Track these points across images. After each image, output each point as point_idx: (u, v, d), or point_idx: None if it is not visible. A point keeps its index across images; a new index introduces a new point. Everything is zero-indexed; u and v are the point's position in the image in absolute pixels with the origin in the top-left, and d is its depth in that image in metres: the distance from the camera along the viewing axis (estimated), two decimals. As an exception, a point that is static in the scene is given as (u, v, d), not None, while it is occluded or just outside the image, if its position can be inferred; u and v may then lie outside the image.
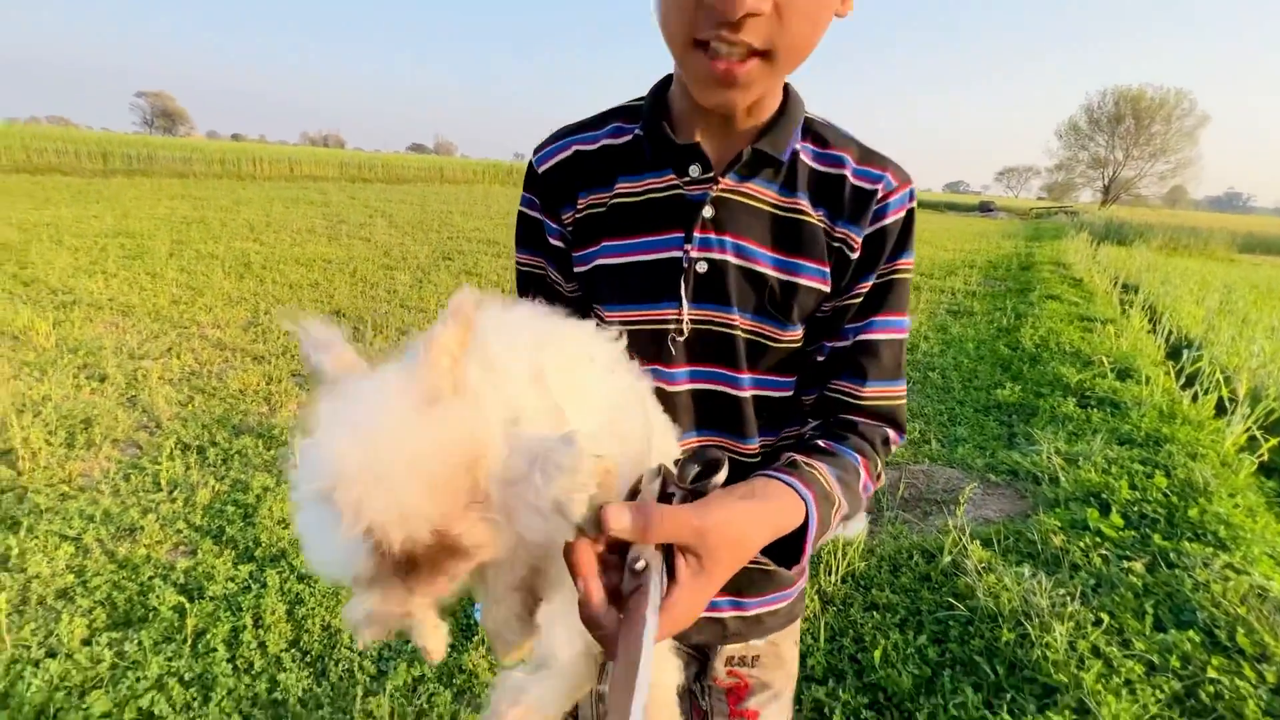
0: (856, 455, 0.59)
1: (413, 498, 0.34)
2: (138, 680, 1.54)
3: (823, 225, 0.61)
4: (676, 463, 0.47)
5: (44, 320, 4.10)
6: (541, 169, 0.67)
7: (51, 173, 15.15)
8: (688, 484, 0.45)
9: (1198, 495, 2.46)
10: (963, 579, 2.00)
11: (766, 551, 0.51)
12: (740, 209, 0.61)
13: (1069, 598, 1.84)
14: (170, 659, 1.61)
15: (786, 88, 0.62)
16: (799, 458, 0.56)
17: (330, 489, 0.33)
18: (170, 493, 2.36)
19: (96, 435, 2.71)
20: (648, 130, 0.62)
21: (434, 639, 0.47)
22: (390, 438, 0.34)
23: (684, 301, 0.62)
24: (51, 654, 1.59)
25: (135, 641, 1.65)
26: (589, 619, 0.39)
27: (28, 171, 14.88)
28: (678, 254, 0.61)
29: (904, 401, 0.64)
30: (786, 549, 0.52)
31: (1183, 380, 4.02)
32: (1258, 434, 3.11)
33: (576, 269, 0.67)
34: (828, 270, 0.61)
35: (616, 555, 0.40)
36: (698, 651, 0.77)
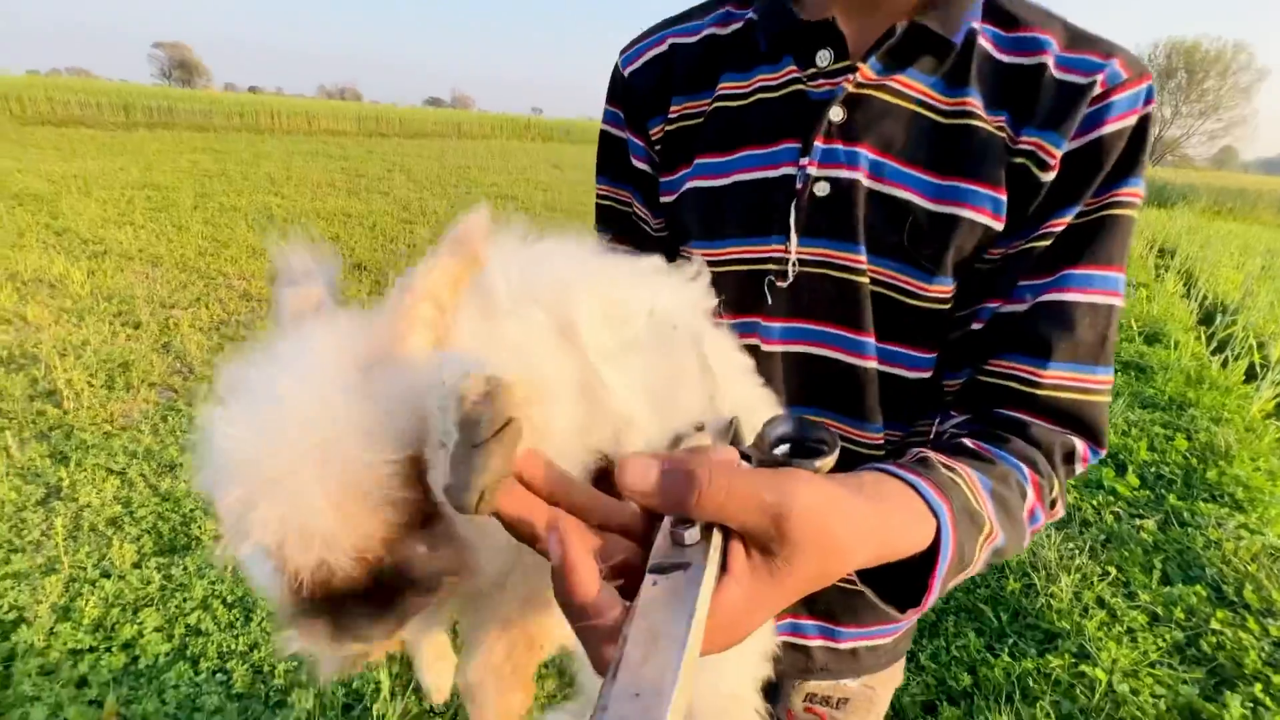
0: (1022, 466, 0.41)
1: (322, 508, 0.23)
2: (185, 600, 1.65)
3: (1002, 135, 0.44)
4: (770, 435, 0.33)
5: (78, 269, 4.22)
6: (628, 70, 0.54)
7: (75, 125, 15.27)
8: (769, 452, 0.32)
9: (1218, 458, 2.45)
10: (972, 532, 2.03)
11: (872, 582, 0.37)
12: (883, 111, 0.45)
13: (1077, 551, 1.87)
14: (213, 583, 1.72)
15: None
16: (934, 456, 0.39)
17: (211, 492, 0.24)
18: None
19: (134, 379, 2.82)
20: (764, 7, 0.48)
21: (434, 673, 0.37)
22: (299, 417, 0.24)
23: (792, 234, 0.47)
24: (105, 575, 1.71)
25: (181, 566, 1.76)
26: (568, 602, 0.24)
27: (52, 124, 15.01)
28: (791, 170, 0.46)
29: (1106, 399, 0.45)
30: (900, 580, 0.36)
31: (1214, 346, 3.92)
32: (1287, 400, 3.05)
33: (663, 198, 0.53)
34: (1003, 199, 0.44)
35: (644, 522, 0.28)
36: (771, 686, 0.58)
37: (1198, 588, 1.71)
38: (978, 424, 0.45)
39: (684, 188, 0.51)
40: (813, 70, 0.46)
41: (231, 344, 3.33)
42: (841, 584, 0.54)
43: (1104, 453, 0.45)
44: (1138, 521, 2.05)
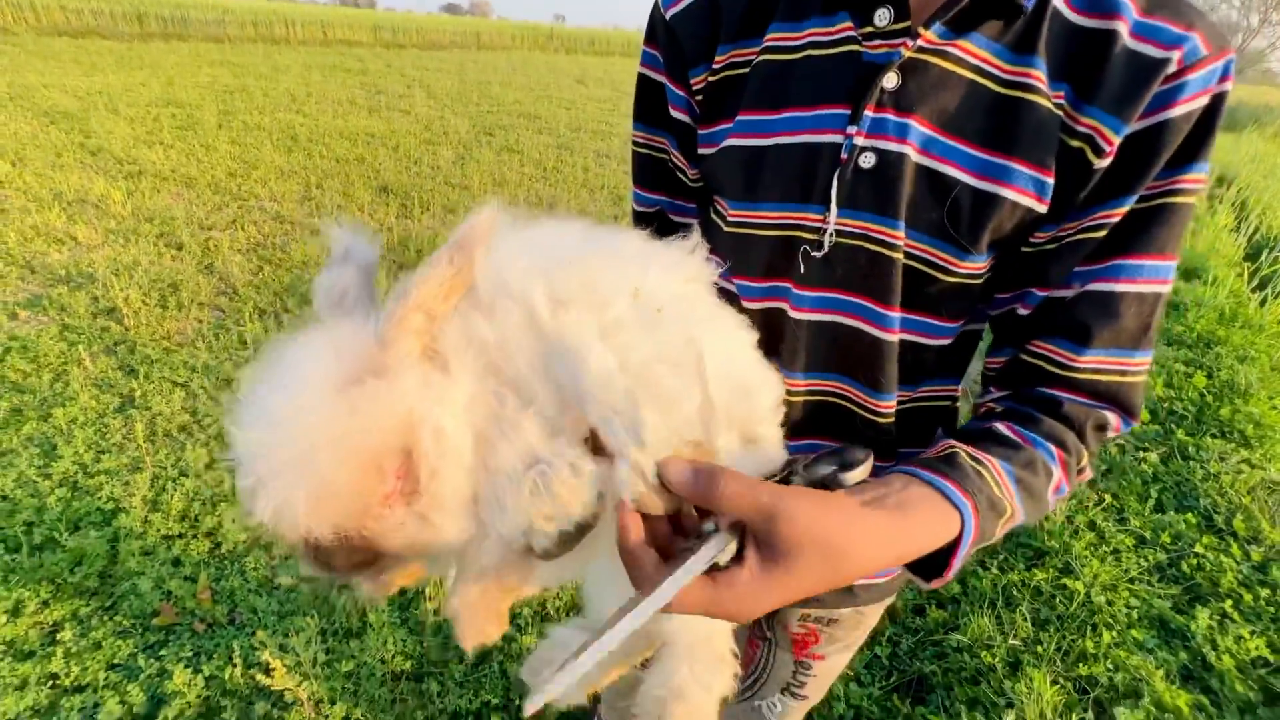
0: (1051, 449, 0.44)
1: (300, 500, 0.30)
2: (254, 498, 1.86)
3: (1060, 112, 0.42)
4: (815, 459, 0.39)
5: (117, 190, 4.33)
6: (670, 12, 0.51)
7: (91, 35, 14.97)
8: (810, 475, 0.38)
9: (1235, 396, 2.46)
10: (977, 459, 2.13)
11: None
12: (941, 80, 0.43)
13: (1077, 480, 1.96)
14: (278, 484, 1.92)
15: None
16: (963, 450, 0.42)
17: (236, 467, 0.31)
18: (256, 351, 2.64)
19: (184, 298, 2.98)
20: None
21: (468, 622, 0.42)
22: (289, 428, 0.31)
23: (833, 204, 0.46)
24: (184, 474, 1.92)
25: (248, 469, 1.97)
26: (625, 551, 0.35)
27: (69, 35, 14.73)
28: (837, 138, 0.45)
29: (1144, 378, 0.46)
30: (929, 559, 0.41)
31: (1255, 283, 3.80)
32: (1321, 340, 3.00)
33: (702, 150, 0.52)
34: (1050, 181, 0.43)
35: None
36: None
37: (1189, 515, 1.80)
38: (1014, 402, 0.47)
39: (724, 143, 0.50)
40: (869, 30, 0.44)
41: (270, 266, 3.46)
42: None
43: (1136, 423, 0.46)
44: (1141, 454, 2.12)
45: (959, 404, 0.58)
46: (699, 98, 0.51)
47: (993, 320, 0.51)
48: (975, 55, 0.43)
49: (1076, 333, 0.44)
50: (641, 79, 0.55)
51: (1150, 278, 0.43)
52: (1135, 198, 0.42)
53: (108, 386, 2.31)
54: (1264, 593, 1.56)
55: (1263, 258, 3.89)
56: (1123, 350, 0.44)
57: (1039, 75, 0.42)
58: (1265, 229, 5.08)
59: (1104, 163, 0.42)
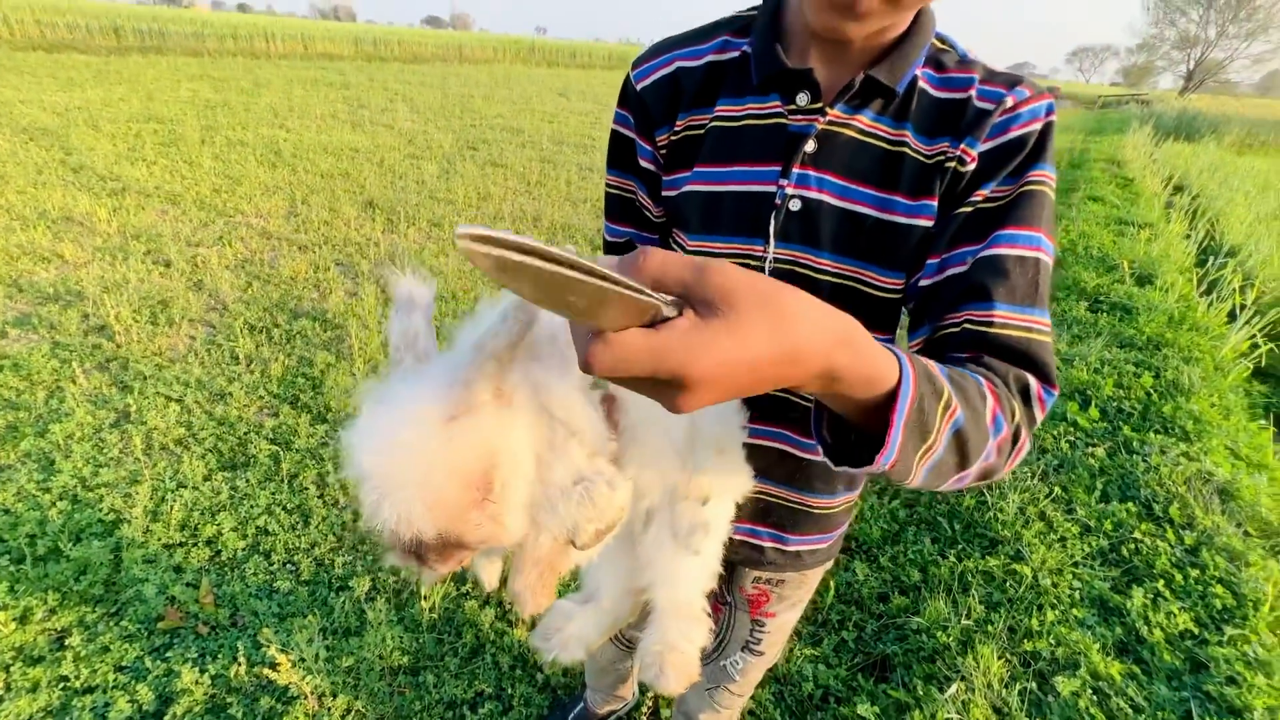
0: (982, 380, 0.45)
1: (418, 509, 0.39)
2: (252, 507, 1.93)
3: (934, 158, 0.55)
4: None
5: (102, 208, 4.36)
6: (639, 85, 0.63)
7: (67, 50, 14.80)
8: None
9: (1179, 394, 2.64)
10: (939, 457, 2.27)
11: (829, 445, 0.43)
12: (846, 144, 0.57)
13: (1030, 474, 2.10)
14: (274, 493, 1.99)
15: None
16: (899, 351, 0.42)
17: (357, 484, 0.39)
18: (248, 366, 2.71)
19: (175, 314, 3.03)
20: (757, 49, 0.58)
21: (487, 573, 0.54)
22: (408, 453, 0.39)
23: (770, 239, 0.59)
24: (182, 485, 1.98)
25: (244, 479, 2.04)
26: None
27: (43, 49, 14.56)
28: (771, 188, 0.58)
29: (1049, 339, 0.51)
30: (860, 442, 0.40)
31: (1203, 287, 4.03)
32: (1260, 340, 3.20)
33: (665, 193, 0.65)
34: (933, 204, 0.55)
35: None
36: (729, 568, 0.79)
37: (1130, 505, 1.95)
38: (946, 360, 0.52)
39: (684, 188, 0.62)
40: (793, 107, 0.57)
41: (259, 283, 3.52)
42: (792, 491, 0.72)
43: (1056, 392, 0.50)
44: (1090, 449, 2.28)
45: None
46: (663, 151, 0.64)
47: (910, 308, 0.59)
48: (868, 125, 0.57)
49: (978, 293, 0.51)
50: (615, 134, 0.68)
51: (1025, 245, 0.52)
52: (995, 183, 0.53)
53: (103, 402, 2.36)
54: (1194, 573, 1.71)
55: (1209, 264, 4.12)
56: (1020, 307, 0.50)
57: (910, 136, 0.56)
58: (1218, 235, 5.36)
59: (970, 168, 0.54)
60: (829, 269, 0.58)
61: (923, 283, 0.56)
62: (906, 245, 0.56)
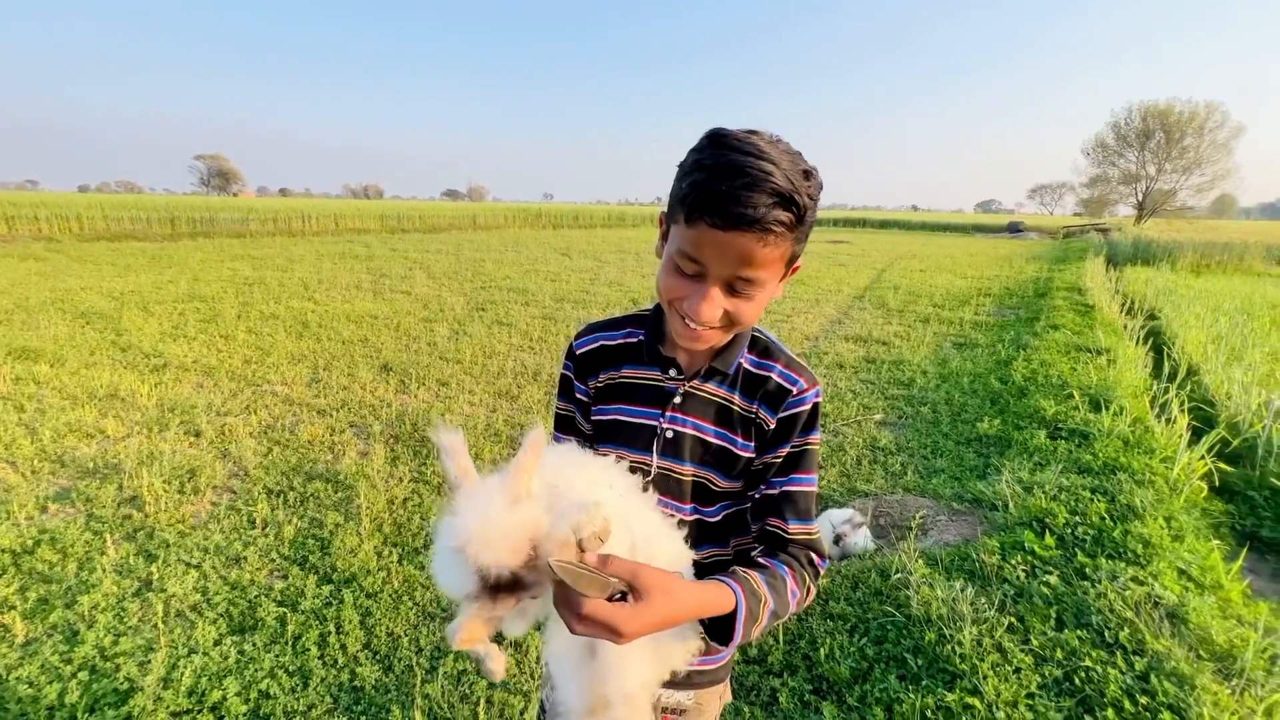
0: (785, 568, 0.80)
1: (502, 555, 0.58)
2: (256, 671, 2.06)
3: (753, 415, 0.86)
4: None
5: (144, 384, 4.84)
6: (579, 351, 0.95)
7: (127, 239, 16.76)
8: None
9: (1131, 518, 2.79)
10: (904, 592, 2.39)
11: (708, 631, 0.74)
12: (699, 399, 0.88)
13: (989, 606, 2.22)
14: (278, 655, 2.13)
15: None
16: (737, 569, 0.76)
17: (462, 545, 0.59)
18: (263, 529, 2.94)
19: (201, 483, 3.32)
20: (647, 341, 0.91)
21: (497, 662, 0.71)
22: (493, 521, 0.59)
23: (654, 454, 0.88)
24: (193, 651, 2.13)
25: (251, 643, 2.19)
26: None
27: (106, 239, 16.50)
28: (654, 423, 0.89)
29: (819, 536, 0.86)
30: (723, 629, 0.71)
31: (1157, 409, 4.29)
32: (1208, 460, 3.40)
33: (594, 417, 0.94)
34: (752, 444, 0.87)
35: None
36: None
37: (1080, 632, 2.04)
38: (766, 547, 0.86)
39: (605, 416, 0.93)
40: (667, 377, 0.89)
41: (279, 448, 3.84)
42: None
43: (827, 562, 0.86)
44: (1045, 577, 2.40)
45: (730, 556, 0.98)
46: (592, 393, 0.95)
47: (749, 508, 0.91)
48: (713, 390, 0.89)
49: (782, 512, 0.86)
50: (563, 376, 0.98)
51: (804, 484, 0.86)
52: (790, 445, 0.86)
53: (128, 571, 2.57)
54: (1143, 700, 1.78)
55: (1154, 387, 4.42)
56: (805, 520, 0.86)
57: (737, 398, 0.88)
58: (1175, 355, 5.72)
59: (770, 428, 0.86)
60: (688, 474, 0.89)
61: (754, 495, 0.88)
62: (738, 464, 0.88)
